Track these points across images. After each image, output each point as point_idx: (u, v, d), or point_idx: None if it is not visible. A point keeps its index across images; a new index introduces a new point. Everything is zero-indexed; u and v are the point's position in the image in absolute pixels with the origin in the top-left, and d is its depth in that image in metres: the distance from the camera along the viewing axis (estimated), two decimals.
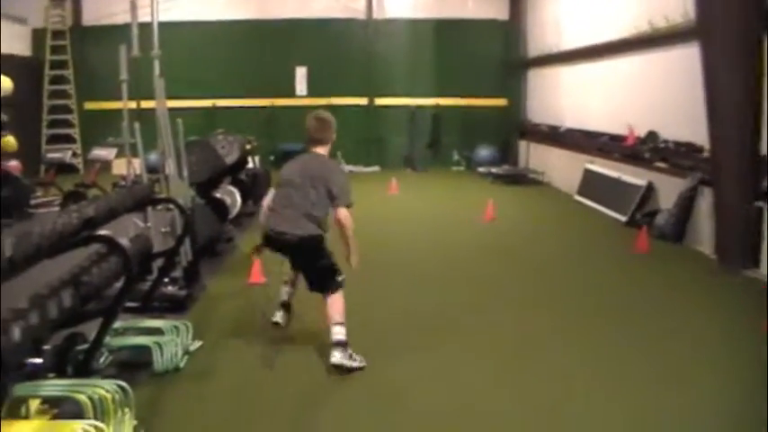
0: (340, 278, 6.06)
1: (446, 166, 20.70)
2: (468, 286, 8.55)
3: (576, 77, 16.99)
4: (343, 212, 6.10)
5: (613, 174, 13.45)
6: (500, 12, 21.43)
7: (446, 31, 20.73)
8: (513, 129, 20.92)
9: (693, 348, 6.41)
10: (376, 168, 20.47)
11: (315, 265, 6.12)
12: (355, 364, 5.86)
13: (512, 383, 5.64)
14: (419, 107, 20.86)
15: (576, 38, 16.56)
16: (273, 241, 6.14)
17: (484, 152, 20.36)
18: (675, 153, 11.47)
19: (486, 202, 13.01)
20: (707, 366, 5.99)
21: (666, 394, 5.39)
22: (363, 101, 21.08)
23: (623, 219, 12.28)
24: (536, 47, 20.23)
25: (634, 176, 12.64)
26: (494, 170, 18.65)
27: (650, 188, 12.06)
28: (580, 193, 14.88)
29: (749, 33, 8.77)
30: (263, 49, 20.28)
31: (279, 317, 6.51)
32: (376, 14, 21.26)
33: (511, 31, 21.33)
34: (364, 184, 17.44)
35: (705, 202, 10.12)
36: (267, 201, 6.41)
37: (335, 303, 5.97)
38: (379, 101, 21.11)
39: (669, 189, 11.23)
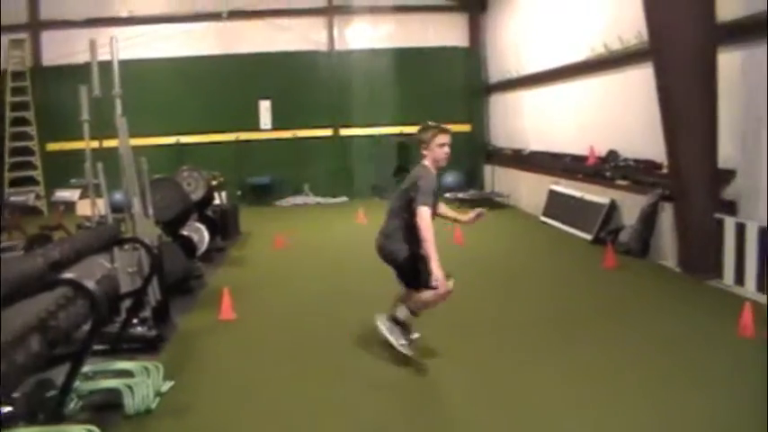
0: (434, 283, 6.12)
1: None
2: (439, 310, 8.57)
3: (538, 101, 17.23)
4: (419, 211, 6.17)
5: (577, 194, 13.62)
6: (460, 39, 21.74)
7: (408, 60, 20.93)
8: (478, 153, 21.12)
9: (667, 356, 6.53)
10: (344, 199, 20.52)
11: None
12: (395, 342, 6.47)
13: (491, 399, 5.68)
14: (384, 136, 20.98)
15: (536, 62, 16.82)
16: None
17: (450, 178, 20.43)
18: (636, 170, 11.67)
19: (454, 228, 13.07)
20: (684, 373, 6.09)
21: (646, 401, 5.48)
22: (328, 132, 21.21)
23: (589, 237, 12.42)
24: (497, 72, 20.51)
25: (597, 195, 12.81)
26: (460, 195, 18.77)
27: (613, 206, 12.22)
28: (546, 214, 15.03)
29: (701, 48, 8.97)
30: (226, 83, 20.32)
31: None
32: (338, 46, 21.46)
33: (472, 57, 21.63)
34: (332, 215, 17.54)
35: (667, 216, 10.29)
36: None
37: (422, 295, 6.37)
38: (345, 131, 21.25)
39: (631, 206, 11.40)
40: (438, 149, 6.44)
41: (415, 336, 6.69)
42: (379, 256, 6.70)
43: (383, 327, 6.52)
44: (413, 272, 6.44)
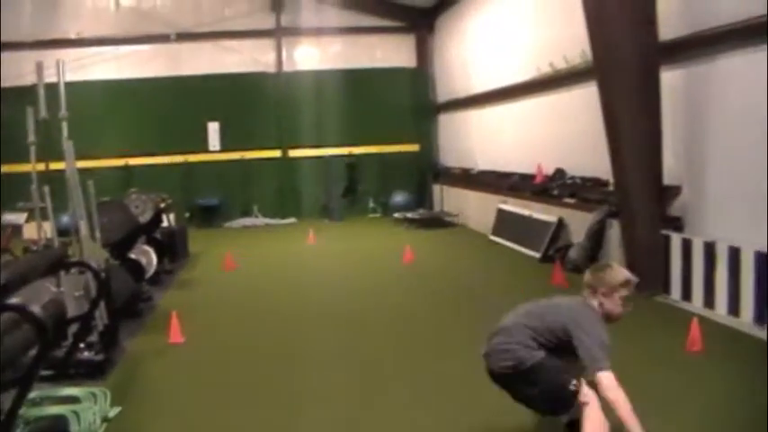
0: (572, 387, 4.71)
1: (363, 214, 20.85)
2: (389, 329, 8.57)
3: (486, 120, 17.41)
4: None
5: (525, 212, 13.74)
6: (408, 60, 21.90)
7: (356, 81, 20.98)
8: (426, 173, 21.23)
9: (617, 371, 6.55)
10: (293, 220, 20.42)
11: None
12: None
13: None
14: (333, 156, 21.01)
15: (483, 82, 17.02)
16: None
17: (399, 198, 20.56)
18: (582, 188, 11.83)
19: (403, 247, 13.14)
20: (634, 389, 6.11)
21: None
22: (277, 153, 21.16)
23: (537, 255, 12.52)
24: (445, 92, 20.71)
25: (545, 213, 12.94)
26: (409, 215, 18.84)
27: (561, 224, 12.36)
28: (495, 233, 15.12)
29: (645, 67, 9.13)
30: (174, 105, 20.16)
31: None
32: (286, 67, 21.46)
33: (420, 77, 21.81)
34: (281, 237, 17.47)
35: (614, 233, 10.42)
36: None
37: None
38: (293, 152, 21.22)
39: (579, 223, 11.53)
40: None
41: None
42: None
43: None
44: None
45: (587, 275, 5.03)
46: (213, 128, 20.74)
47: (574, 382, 4.70)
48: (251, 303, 10.34)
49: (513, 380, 4.87)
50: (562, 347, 4.79)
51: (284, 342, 8.08)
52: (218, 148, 20.81)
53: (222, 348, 7.92)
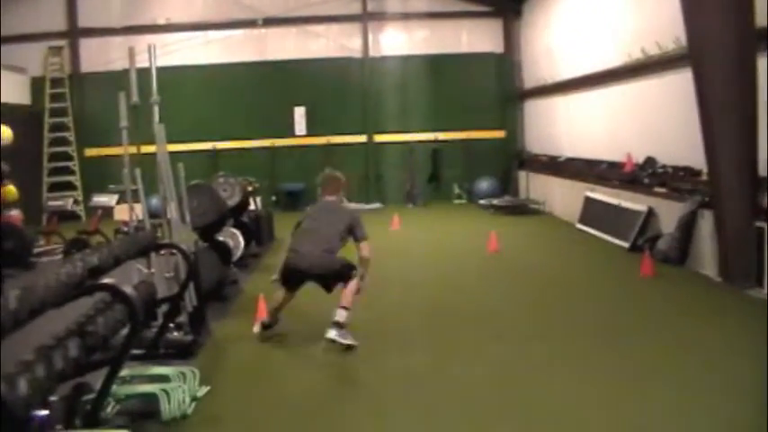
0: (353, 271, 7.42)
1: (447, 200, 20.77)
2: (477, 317, 8.53)
3: (573, 107, 17.11)
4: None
5: (613, 201, 13.48)
6: (495, 45, 21.63)
7: (442, 66, 20.86)
8: (512, 160, 21.04)
9: (706, 368, 6.42)
10: (377, 205, 20.48)
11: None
12: (347, 341, 7.14)
13: (528, 412, 5.62)
14: (418, 142, 20.98)
15: (571, 68, 16.71)
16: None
17: (484, 184, 20.41)
18: (674, 177, 11.52)
19: (488, 234, 13.03)
20: (722, 385, 5.99)
21: (680, 413, 5.38)
22: (362, 138, 21.22)
23: (626, 245, 12.28)
24: (532, 78, 20.41)
25: (634, 202, 12.67)
26: (495, 202, 18.71)
27: (651, 213, 12.07)
28: (582, 221, 14.89)
29: (741, 54, 8.83)
30: (261, 90, 20.43)
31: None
32: (372, 52, 21.44)
33: (506, 63, 21.53)
34: (366, 221, 17.46)
35: (706, 224, 10.14)
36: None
37: (349, 289, 7.33)
38: (378, 138, 21.24)
39: (669, 213, 11.25)
40: None
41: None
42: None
43: (338, 338, 7.18)
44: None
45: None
46: (299, 113, 20.92)
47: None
48: None
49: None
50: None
51: (369, 324, 8.08)
52: (303, 132, 20.99)
53: (309, 333, 7.97)
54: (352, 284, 7.35)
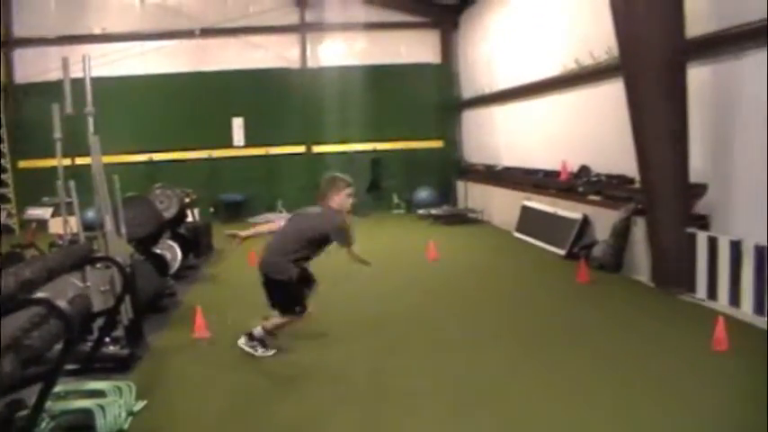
0: (297, 309, 7.35)
1: (387, 210, 20.83)
2: (415, 327, 8.57)
3: (510, 116, 17.36)
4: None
5: (550, 209, 13.68)
6: (433, 55, 21.90)
7: (381, 77, 20.95)
8: (450, 169, 21.23)
9: (642, 371, 6.57)
10: None
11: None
12: (257, 353, 7.40)
13: (471, 418, 5.67)
14: (357, 152, 21.00)
15: (508, 78, 16.96)
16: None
17: (423, 194, 20.55)
18: (608, 186, 11.76)
19: (427, 244, 13.12)
20: (660, 387, 6.12)
21: (618, 416, 5.48)
22: (301, 149, 21.21)
23: (562, 252, 12.47)
24: (470, 88, 20.66)
25: (570, 210, 12.87)
26: (433, 211, 18.82)
27: (586, 221, 12.29)
28: (519, 229, 15.08)
29: (671, 64, 9.04)
30: (199, 100, 20.27)
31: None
32: (310, 63, 21.50)
33: (444, 73, 21.79)
34: None
35: (639, 231, 10.35)
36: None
37: (282, 320, 7.42)
38: (317, 148, 21.24)
39: (604, 221, 11.46)
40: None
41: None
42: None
43: (245, 347, 7.49)
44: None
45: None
46: (238, 123, 20.85)
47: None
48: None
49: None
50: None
51: (307, 336, 8.07)
52: (242, 143, 20.90)
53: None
54: (284, 320, 7.44)
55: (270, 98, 20.73)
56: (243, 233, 7.84)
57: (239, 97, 20.57)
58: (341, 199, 7.65)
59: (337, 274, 12.26)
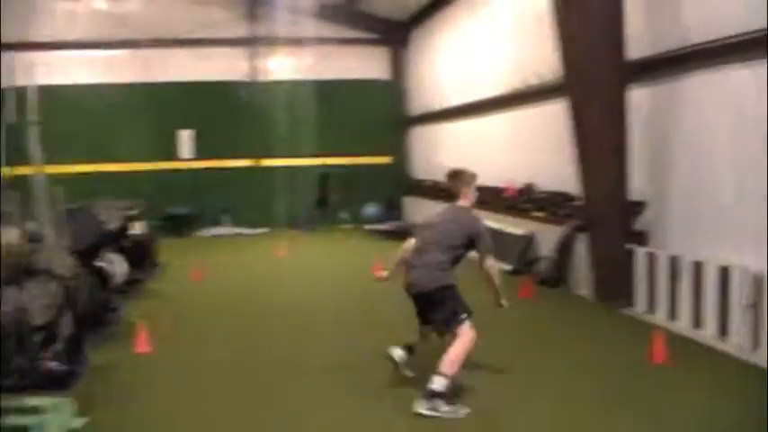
0: (464, 315, 6.29)
1: (334, 225, 20.82)
2: (362, 342, 8.58)
3: (458, 134, 17.51)
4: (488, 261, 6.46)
5: (496, 225, 13.78)
6: (382, 72, 22.04)
7: (331, 92, 20.97)
8: (398, 185, 21.31)
9: (583, 383, 6.71)
10: (264, 230, 20.34)
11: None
12: (443, 414, 5.89)
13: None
14: (306, 167, 21.02)
15: (456, 96, 17.13)
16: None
17: (370, 209, 20.60)
18: (552, 203, 11.92)
19: (373, 259, 13.13)
20: (600, 400, 6.24)
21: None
22: (250, 162, 21.12)
23: (508, 268, 12.57)
24: (419, 105, 20.81)
25: (515, 227, 13.01)
26: (380, 227, 18.88)
27: (531, 237, 12.43)
28: None
29: (612, 85, 9.27)
30: (147, 112, 20.04)
31: (396, 354, 6.63)
32: (261, 76, 21.44)
33: (394, 90, 21.94)
34: (252, 246, 17.41)
35: (581, 247, 10.52)
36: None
37: (457, 345, 6.13)
38: (267, 162, 21.17)
39: (548, 237, 11.61)
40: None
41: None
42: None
43: (425, 412, 5.94)
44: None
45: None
46: (186, 136, 20.67)
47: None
48: (218, 314, 10.30)
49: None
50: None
51: (250, 353, 8.06)
52: (190, 156, 20.73)
53: (189, 359, 7.90)
54: (463, 340, 6.20)
55: (219, 111, 20.62)
56: (386, 274, 7.04)
57: (188, 109, 20.45)
58: (472, 193, 6.75)
59: (283, 284, 12.36)
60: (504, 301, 6.77)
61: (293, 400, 6.60)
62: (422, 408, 5.91)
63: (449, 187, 6.75)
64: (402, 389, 6.59)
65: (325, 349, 8.28)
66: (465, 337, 6.18)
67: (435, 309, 6.34)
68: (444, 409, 5.90)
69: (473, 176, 6.75)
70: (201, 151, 20.71)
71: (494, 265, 6.53)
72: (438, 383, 5.94)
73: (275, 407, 6.44)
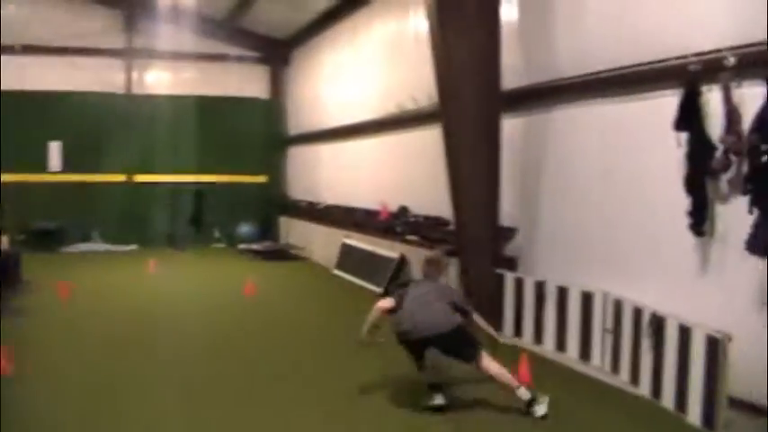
0: (478, 346, 6.87)
1: (207, 244, 20.50)
2: (223, 363, 8.51)
3: (335, 155, 17.65)
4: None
5: (369, 247, 13.94)
6: (261, 91, 21.99)
7: (207, 108, 20.70)
8: (274, 205, 21.22)
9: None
10: (134, 247, 19.86)
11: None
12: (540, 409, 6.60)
13: None
14: (180, 184, 20.62)
15: (334, 118, 17.29)
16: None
17: (245, 229, 20.41)
18: (425, 227, 12.13)
19: (246, 279, 13.07)
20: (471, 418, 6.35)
21: None
22: (122, 177, 20.55)
23: (379, 290, 12.70)
24: (297, 125, 20.89)
25: (388, 249, 13.16)
26: (254, 247, 18.77)
27: (403, 260, 12.59)
28: (338, 267, 15.25)
29: (487, 114, 9.51)
30: (14, 120, 19.03)
31: (439, 398, 6.85)
32: (136, 90, 21.03)
33: (272, 109, 21.92)
34: (121, 264, 16.98)
35: (452, 271, 10.69)
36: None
37: (494, 369, 6.77)
38: (140, 177, 20.67)
39: (420, 260, 11.75)
40: None
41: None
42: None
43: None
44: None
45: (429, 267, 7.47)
46: (54, 147, 19.95)
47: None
48: (84, 333, 9.96)
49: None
50: None
51: (116, 374, 7.87)
52: (59, 169, 19.98)
53: (53, 379, 7.63)
54: (492, 364, 6.82)
55: (91, 123, 19.93)
56: (365, 336, 7.23)
57: (59, 120, 19.67)
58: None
59: (152, 304, 12.12)
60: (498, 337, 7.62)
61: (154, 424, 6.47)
62: (540, 412, 6.57)
63: (425, 272, 7.53)
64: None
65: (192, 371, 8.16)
66: (487, 360, 6.81)
67: (458, 346, 6.85)
68: (539, 406, 6.62)
69: (447, 264, 7.90)
70: (72, 164, 19.99)
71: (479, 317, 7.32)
72: (524, 394, 6.64)
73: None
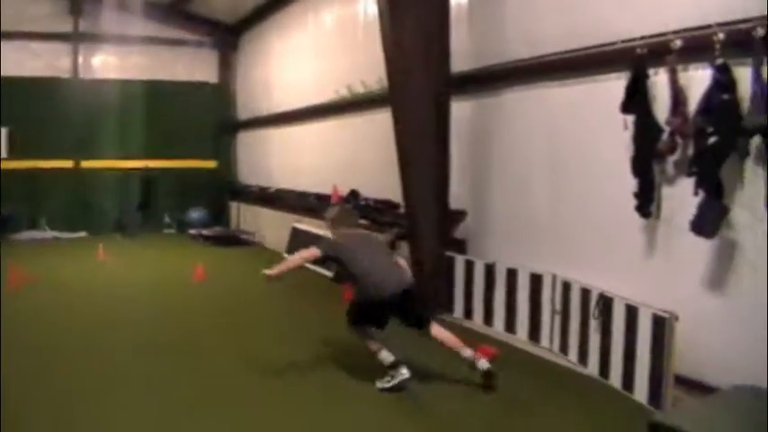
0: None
1: (157, 230, 20.24)
2: (175, 346, 8.44)
3: (285, 140, 17.55)
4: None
5: (320, 232, 13.85)
6: (210, 75, 21.69)
7: (155, 93, 20.37)
8: (224, 190, 21.05)
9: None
10: (83, 234, 19.54)
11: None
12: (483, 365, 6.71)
13: None
14: (129, 170, 20.32)
15: (285, 102, 17.17)
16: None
17: (195, 214, 20.19)
18: (375, 210, 12.13)
19: (195, 265, 12.96)
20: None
21: None
22: (69, 163, 20.18)
23: (330, 274, 12.68)
24: (247, 110, 20.69)
25: None
26: (204, 232, 18.62)
27: None
28: (289, 251, 15.15)
29: (436, 97, 9.54)
30: None
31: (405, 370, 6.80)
32: (83, 74, 20.59)
33: (221, 93, 21.64)
34: (70, 251, 16.73)
35: (403, 254, 10.72)
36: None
37: (444, 332, 6.96)
38: (87, 163, 20.30)
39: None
40: None
41: None
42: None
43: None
44: None
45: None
46: (1, 134, 19.49)
47: None
48: (31, 323, 9.75)
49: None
50: None
51: (68, 352, 7.74)
52: (4, 155, 19.53)
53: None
54: (441, 328, 7.05)
55: (37, 109, 19.40)
56: (274, 272, 7.20)
57: (4, 106, 19.12)
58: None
59: (101, 290, 11.96)
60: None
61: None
62: (485, 366, 6.69)
63: (348, 223, 7.72)
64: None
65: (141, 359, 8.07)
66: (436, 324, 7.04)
67: (421, 303, 7.18)
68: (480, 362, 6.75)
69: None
70: (17, 151, 19.51)
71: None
72: (468, 354, 6.79)
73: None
